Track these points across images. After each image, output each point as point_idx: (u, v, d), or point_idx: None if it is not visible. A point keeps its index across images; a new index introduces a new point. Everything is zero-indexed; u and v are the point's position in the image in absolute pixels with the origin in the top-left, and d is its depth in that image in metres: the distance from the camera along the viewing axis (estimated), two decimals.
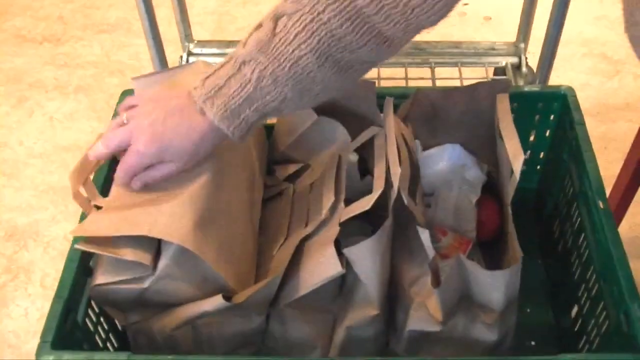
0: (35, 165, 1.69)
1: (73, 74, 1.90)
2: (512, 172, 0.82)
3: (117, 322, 0.86)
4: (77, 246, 0.72)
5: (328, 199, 0.82)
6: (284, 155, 0.98)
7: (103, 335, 0.85)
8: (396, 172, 0.78)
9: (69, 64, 1.97)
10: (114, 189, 0.78)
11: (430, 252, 0.78)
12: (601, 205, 0.85)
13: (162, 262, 0.73)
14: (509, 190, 0.84)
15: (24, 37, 2.10)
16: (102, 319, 0.84)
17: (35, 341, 0.71)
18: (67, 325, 0.76)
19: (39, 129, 1.79)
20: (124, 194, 0.77)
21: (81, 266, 0.79)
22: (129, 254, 0.72)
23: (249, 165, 0.90)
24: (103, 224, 0.72)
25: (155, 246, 0.74)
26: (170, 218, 0.72)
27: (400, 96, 0.98)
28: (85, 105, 1.79)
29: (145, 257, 0.72)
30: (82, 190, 0.78)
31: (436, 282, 0.78)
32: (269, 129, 0.99)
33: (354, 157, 0.93)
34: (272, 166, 0.99)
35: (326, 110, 0.93)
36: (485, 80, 1.05)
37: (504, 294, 0.77)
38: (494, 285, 0.76)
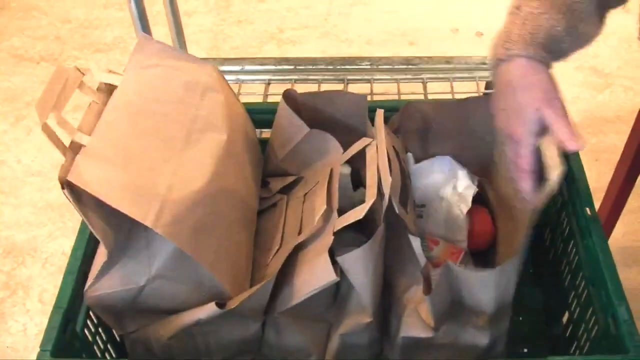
0: (33, 182, 1.71)
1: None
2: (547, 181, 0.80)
3: (114, 332, 0.87)
4: (66, 192, 0.68)
5: (320, 208, 0.84)
6: (277, 168, 1.00)
7: (101, 346, 0.86)
8: (387, 181, 0.80)
9: None
10: (103, 123, 0.75)
11: (422, 260, 0.80)
12: (589, 212, 0.87)
13: (158, 262, 0.75)
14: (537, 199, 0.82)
15: (21, 56, 2.13)
16: (100, 330, 0.86)
17: (34, 356, 0.73)
18: (66, 336, 0.77)
19: (37, 147, 1.81)
20: (116, 136, 0.74)
21: (80, 277, 0.80)
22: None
23: (243, 178, 0.91)
24: (104, 187, 0.69)
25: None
26: (173, 217, 0.72)
27: (392, 109, 1.00)
28: None
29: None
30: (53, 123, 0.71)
31: (428, 289, 0.80)
32: (263, 143, 1.01)
33: (346, 169, 0.94)
34: (266, 179, 1.00)
35: (318, 123, 0.95)
36: (477, 95, 1.07)
37: (494, 295, 0.78)
38: (483, 286, 0.78)
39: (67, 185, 0.67)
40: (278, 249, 0.87)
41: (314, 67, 1.59)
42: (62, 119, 0.71)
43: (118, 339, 0.89)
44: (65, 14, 2.30)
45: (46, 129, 0.69)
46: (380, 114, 0.89)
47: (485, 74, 1.53)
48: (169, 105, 0.82)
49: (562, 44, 0.82)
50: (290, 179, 0.98)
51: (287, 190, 0.98)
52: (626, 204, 1.37)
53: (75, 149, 0.72)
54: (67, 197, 0.67)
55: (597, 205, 1.12)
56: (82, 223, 0.81)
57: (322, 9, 2.27)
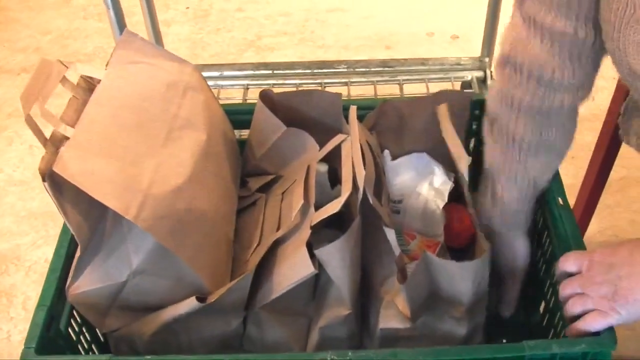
0: (15, 192, 1.72)
1: (51, 103, 1.92)
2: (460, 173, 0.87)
3: (98, 331, 0.88)
4: (47, 185, 0.69)
5: (298, 203, 0.86)
6: (256, 168, 1.02)
7: (86, 345, 0.87)
8: (361, 174, 0.82)
9: None
10: (86, 117, 0.76)
11: (396, 250, 0.82)
12: (561, 201, 0.90)
13: (139, 257, 0.76)
14: (464, 191, 0.89)
15: (1, 68, 2.13)
16: (84, 329, 0.87)
17: None
18: (50, 333, 0.78)
19: (19, 157, 1.81)
20: (99, 129, 0.75)
21: (63, 275, 0.81)
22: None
23: (222, 178, 0.93)
24: (88, 179, 0.70)
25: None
26: (154, 212, 0.74)
27: (366, 108, 1.02)
28: None
29: None
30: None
31: (403, 278, 0.82)
32: (242, 143, 1.03)
33: (323, 167, 0.96)
34: (245, 178, 1.02)
35: (295, 122, 0.97)
36: (446, 89, 1.10)
37: (472, 286, 0.80)
38: (462, 277, 0.80)
39: (49, 177, 0.69)
40: (257, 245, 0.89)
41: (291, 72, 1.62)
42: (45, 111, 0.73)
43: (102, 338, 0.90)
44: (45, 26, 2.31)
45: (29, 120, 0.71)
46: (353, 110, 0.92)
47: (460, 74, 1.56)
48: (151, 102, 0.83)
49: None
50: (269, 177, 1.00)
51: (265, 188, 0.99)
52: (600, 200, 1.40)
53: (55, 141, 0.73)
54: (46, 189, 0.69)
55: (572, 202, 1.15)
56: (65, 223, 0.82)
57: (300, 16, 2.30)
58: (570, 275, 0.80)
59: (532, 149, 0.89)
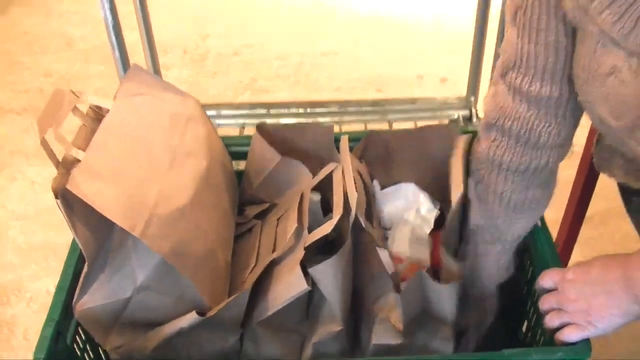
0: (17, 226, 1.77)
1: (53, 141, 1.98)
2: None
3: (100, 347, 0.92)
4: (59, 202, 0.75)
5: (292, 227, 0.91)
6: (253, 197, 1.07)
7: None
8: (353, 197, 0.88)
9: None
10: (96, 143, 0.82)
11: (390, 268, 0.87)
12: (539, 223, 0.95)
13: (144, 273, 0.82)
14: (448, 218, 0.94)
15: (4, 108, 2.20)
16: (88, 346, 0.91)
17: None
18: (57, 347, 0.82)
19: (21, 193, 1.87)
20: (108, 155, 0.81)
21: (71, 291, 0.86)
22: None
23: (221, 204, 0.99)
24: (98, 198, 0.76)
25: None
26: (158, 230, 0.79)
27: (356, 139, 1.08)
28: None
29: None
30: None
31: (397, 289, 0.87)
32: (240, 174, 1.09)
33: (316, 196, 1.02)
34: (242, 207, 1.08)
35: (290, 154, 1.03)
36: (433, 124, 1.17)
37: (455, 305, 0.86)
38: (449, 296, 0.85)
39: (61, 195, 0.74)
40: (254, 267, 0.94)
41: (286, 111, 1.69)
42: (59, 135, 0.79)
43: (103, 356, 0.95)
44: (47, 68, 2.38)
45: (44, 143, 0.78)
46: (345, 139, 0.98)
47: (448, 112, 1.63)
48: (156, 132, 0.89)
49: None
50: (265, 205, 1.06)
51: (261, 216, 1.05)
52: (583, 233, 1.45)
53: (66, 163, 0.79)
54: (58, 206, 0.74)
55: (554, 235, 1.21)
56: (73, 240, 0.87)
57: (295, 59, 2.38)
58: (549, 291, 0.85)
59: (517, 208, 0.93)
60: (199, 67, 2.38)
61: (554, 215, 1.49)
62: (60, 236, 1.67)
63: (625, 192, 1.02)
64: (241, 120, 1.68)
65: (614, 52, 0.73)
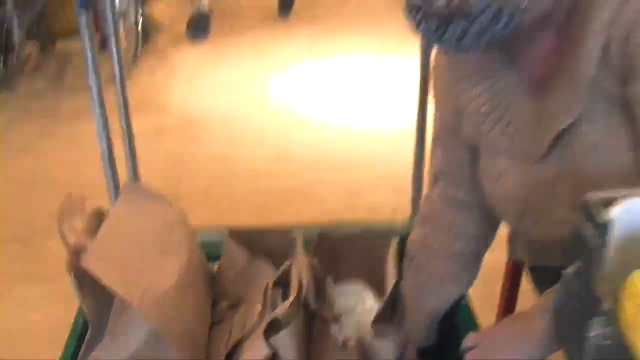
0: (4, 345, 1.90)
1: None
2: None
3: None
4: (73, 277, 1.00)
5: (257, 309, 1.13)
6: (225, 291, 1.29)
7: None
8: (306, 280, 1.10)
9: (35, 258, 2.24)
10: (99, 238, 1.05)
11: (339, 337, 1.08)
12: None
13: (136, 343, 1.02)
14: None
15: None
16: None
17: None
18: None
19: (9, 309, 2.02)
20: (110, 248, 1.05)
21: (76, 353, 1.05)
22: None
23: (197, 291, 1.21)
24: (104, 275, 0.98)
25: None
26: (152, 303, 1.01)
27: (310, 238, 1.31)
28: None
29: None
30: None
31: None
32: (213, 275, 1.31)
33: (277, 292, 1.23)
34: (216, 300, 1.29)
35: (256, 253, 1.26)
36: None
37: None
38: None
39: (74, 273, 0.98)
40: (227, 342, 1.14)
41: None
42: (72, 227, 1.04)
43: None
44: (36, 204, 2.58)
45: (61, 233, 1.03)
46: (299, 237, 1.22)
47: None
48: (148, 233, 1.13)
49: None
50: (236, 299, 1.27)
51: (233, 307, 1.26)
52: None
53: (75, 250, 1.03)
54: (71, 280, 0.98)
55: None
56: (76, 315, 1.08)
57: None
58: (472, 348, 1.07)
59: (445, 284, 1.18)
60: None
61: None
62: None
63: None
64: None
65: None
